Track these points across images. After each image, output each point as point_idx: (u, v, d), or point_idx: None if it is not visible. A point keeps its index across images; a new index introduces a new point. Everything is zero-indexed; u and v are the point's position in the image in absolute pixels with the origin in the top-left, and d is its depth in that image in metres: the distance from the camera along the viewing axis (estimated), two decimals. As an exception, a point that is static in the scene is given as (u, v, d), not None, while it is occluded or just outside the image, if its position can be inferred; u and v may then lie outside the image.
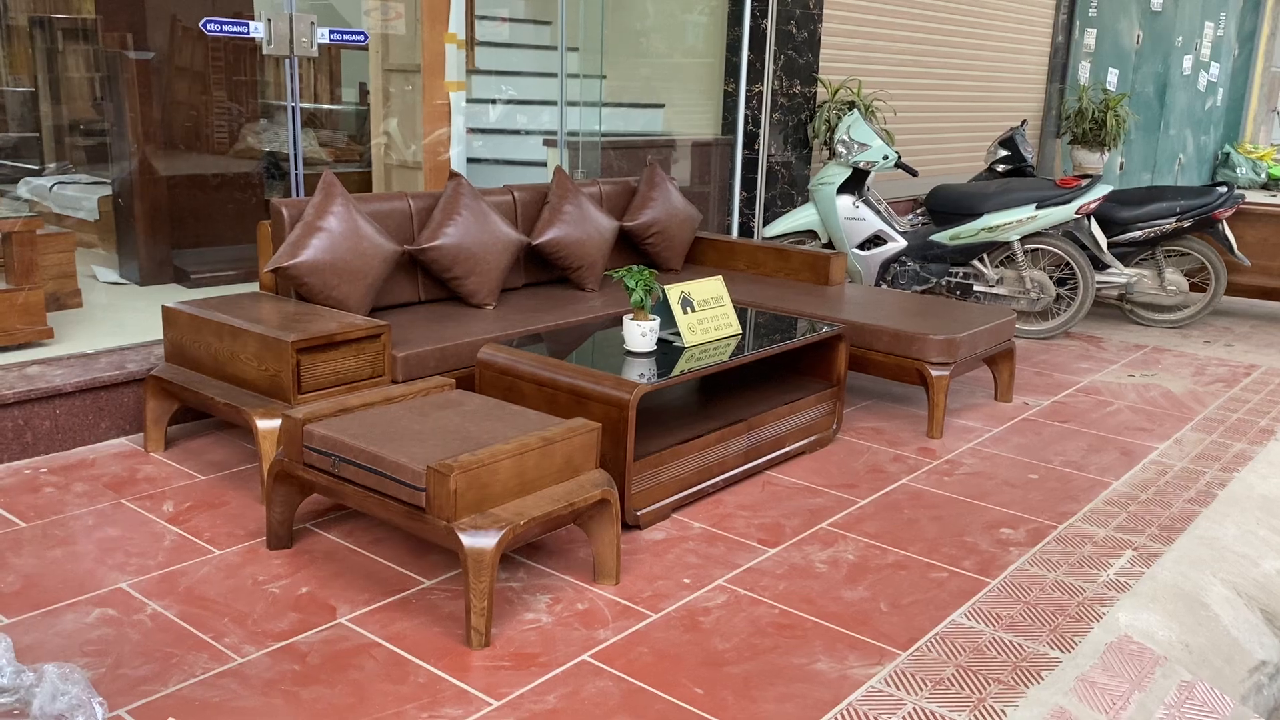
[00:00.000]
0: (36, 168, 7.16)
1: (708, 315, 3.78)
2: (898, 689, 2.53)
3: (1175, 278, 6.32)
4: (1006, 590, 3.03)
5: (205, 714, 2.32)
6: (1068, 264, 5.90)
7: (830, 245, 6.22)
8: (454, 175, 4.42)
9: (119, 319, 4.70)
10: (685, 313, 3.70)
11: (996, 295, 5.90)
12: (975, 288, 5.94)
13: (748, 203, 6.97)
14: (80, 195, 6.30)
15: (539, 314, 4.30)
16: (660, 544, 3.22)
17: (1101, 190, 5.71)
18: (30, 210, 6.57)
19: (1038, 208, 5.71)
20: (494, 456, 2.66)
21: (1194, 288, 6.48)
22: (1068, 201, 5.69)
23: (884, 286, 6.10)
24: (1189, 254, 6.35)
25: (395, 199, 4.30)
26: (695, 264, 5.61)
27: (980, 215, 5.81)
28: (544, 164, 6.58)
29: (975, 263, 5.93)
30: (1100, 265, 6.06)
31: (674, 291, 3.68)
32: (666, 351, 3.61)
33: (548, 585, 2.95)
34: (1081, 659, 2.70)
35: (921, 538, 3.35)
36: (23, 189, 6.78)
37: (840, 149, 5.96)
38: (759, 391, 4.04)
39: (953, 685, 2.56)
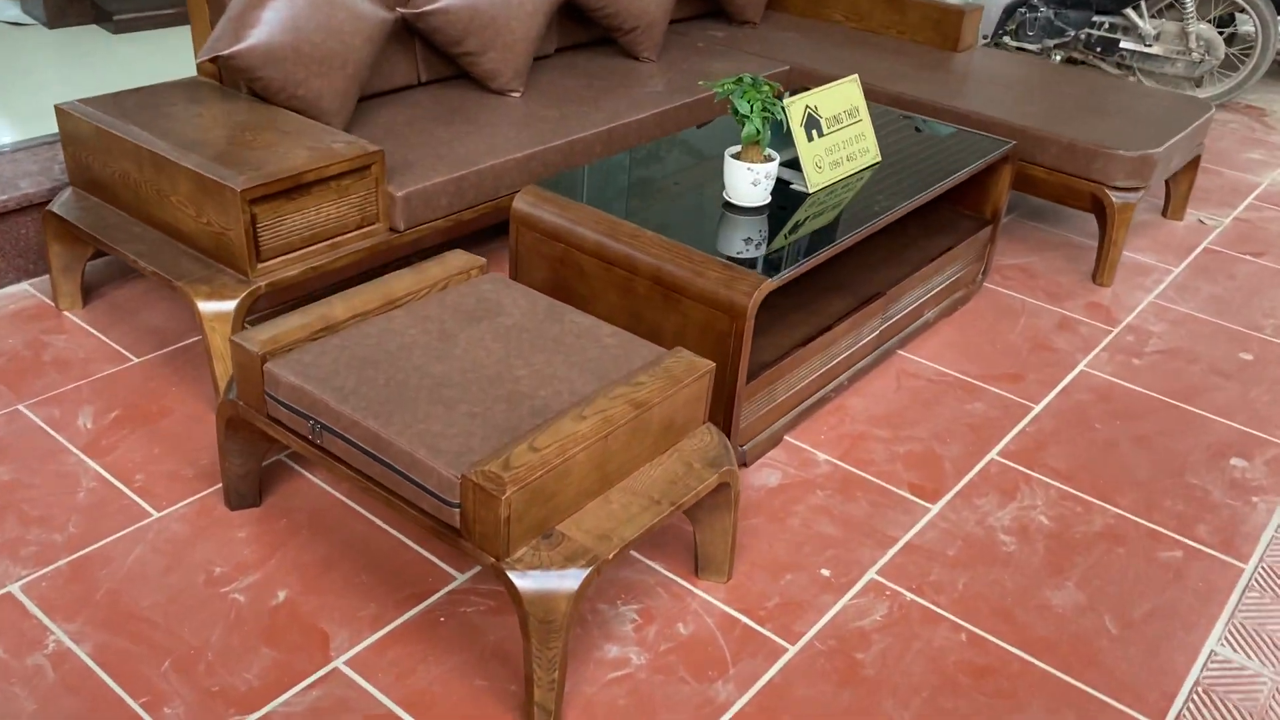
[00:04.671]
0: None
1: (839, 139, 2.64)
2: (1167, 807, 1.71)
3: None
4: (1275, 587, 2.16)
5: None
6: (1229, 16, 4.60)
7: (941, -19, 4.86)
8: (464, -102, 3.08)
9: (16, 88, 3.50)
10: (810, 139, 2.56)
11: (1149, 55, 4.64)
12: (1122, 44, 4.67)
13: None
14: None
15: (583, 107, 3.13)
16: (778, 496, 2.31)
17: (1318, -80, 4.31)
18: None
19: (1228, -58, 4.34)
20: (564, 450, 1.68)
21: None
22: (1270, -66, 4.32)
23: (1006, 39, 4.82)
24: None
25: (381, -66, 3.00)
26: (777, 11, 4.30)
27: (1147, -51, 4.44)
28: None
29: (1128, 11, 4.61)
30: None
31: (797, 108, 2.53)
32: (784, 202, 2.51)
33: (632, 585, 2.06)
34: None
35: (1129, 478, 2.44)
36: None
37: None
38: (891, 238, 2.97)
39: (1245, 799, 1.74)
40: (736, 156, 2.44)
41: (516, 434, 1.75)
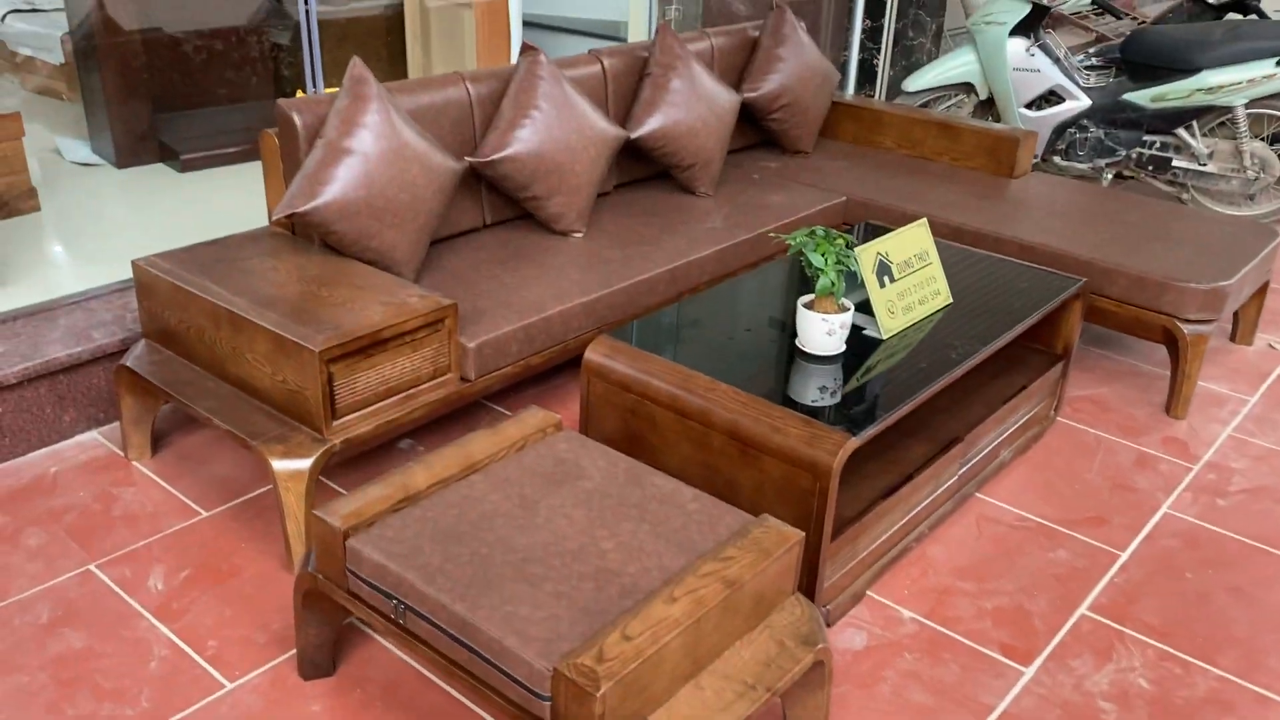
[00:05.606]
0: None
1: (910, 283, 2.62)
2: None
3: None
4: (1392, 759, 2.04)
5: None
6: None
7: (990, 102, 4.90)
8: (528, 49, 3.16)
9: (90, 232, 3.58)
10: (882, 285, 2.55)
11: (1203, 173, 4.63)
12: (1175, 162, 4.66)
13: (872, 34, 5.58)
14: (39, 29, 5.01)
15: (645, 247, 3.15)
16: (865, 659, 2.23)
17: (1369, 41, 4.32)
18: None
19: (1280, 64, 4.36)
20: (657, 637, 1.63)
21: None
22: (1322, 56, 4.33)
23: (1056, 159, 4.83)
24: None
25: (448, 85, 3.07)
26: (829, 138, 4.35)
27: (1198, 71, 4.46)
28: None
29: (1180, 131, 4.62)
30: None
31: (868, 255, 2.52)
32: (858, 349, 2.49)
33: (718, 761, 1.97)
34: None
35: (1227, 635, 2.34)
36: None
37: (1017, -23, 4.55)
38: (962, 376, 2.92)
39: None
40: (809, 306, 2.42)
41: (606, 617, 1.70)
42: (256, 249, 2.74)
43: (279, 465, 2.31)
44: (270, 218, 2.84)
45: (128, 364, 2.66)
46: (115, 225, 3.66)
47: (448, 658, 1.76)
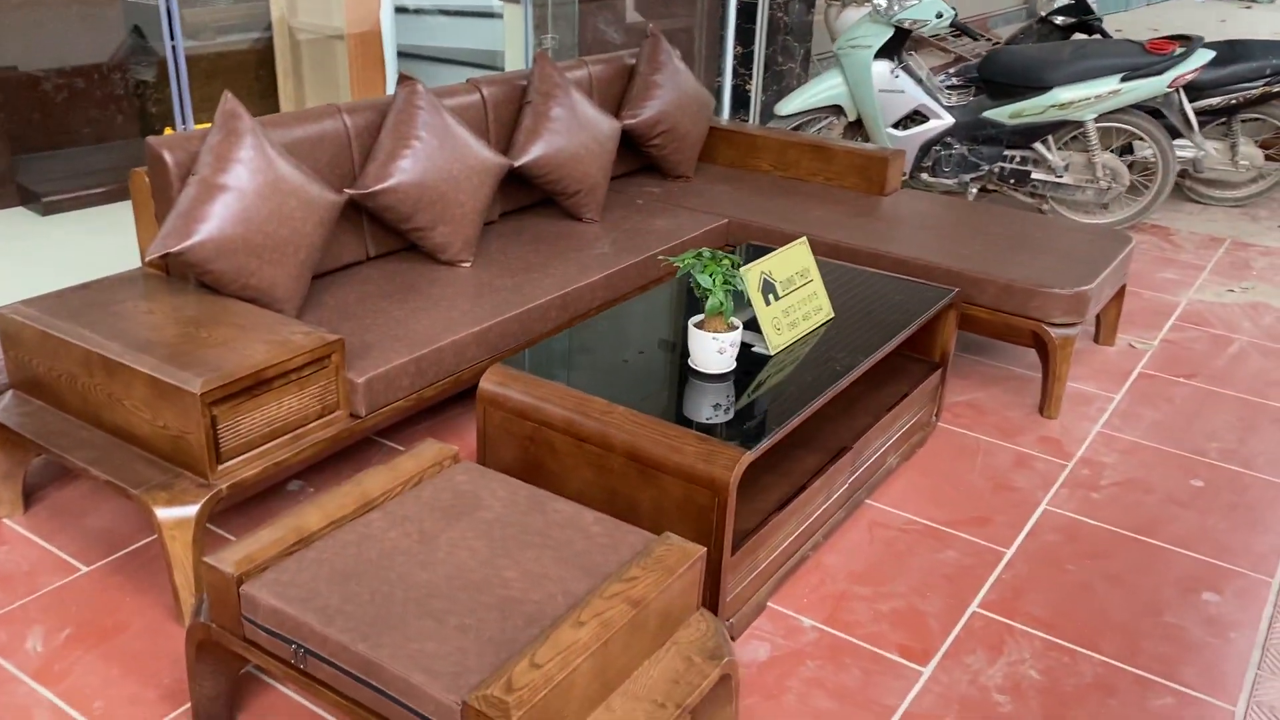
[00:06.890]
0: None
1: (794, 300, 2.69)
2: None
3: (1249, 150, 5.36)
4: (1262, 728, 2.17)
5: None
6: (1128, 145, 4.88)
7: (859, 123, 5.07)
8: (405, 80, 3.14)
9: (-57, 282, 3.41)
10: (768, 303, 2.61)
11: (1060, 184, 4.87)
12: (1034, 175, 4.90)
13: (744, 60, 5.72)
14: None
15: (534, 274, 3.15)
16: (769, 670, 2.26)
17: (1202, 58, 4.62)
18: None
19: (1123, 80, 4.62)
20: (566, 662, 1.63)
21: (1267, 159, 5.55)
22: (1160, 72, 4.61)
23: (924, 176, 5.02)
24: (1264, 120, 5.36)
25: (324, 117, 3.03)
26: (707, 163, 4.43)
27: (1050, 89, 4.70)
28: (493, 14, 5.21)
29: (1037, 145, 4.86)
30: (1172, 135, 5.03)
31: (753, 275, 2.57)
32: (748, 366, 2.54)
33: (632, 783, 1.98)
34: None
35: (1108, 622, 2.46)
36: None
37: (880, 2, 4.73)
38: (848, 390, 3.01)
39: None
40: (700, 326, 2.46)
41: (513, 647, 1.69)
42: (130, 291, 2.65)
43: (163, 514, 2.23)
44: (143, 259, 2.76)
45: (-6, 417, 2.53)
46: (-27, 273, 3.49)
47: (352, 699, 1.72)
